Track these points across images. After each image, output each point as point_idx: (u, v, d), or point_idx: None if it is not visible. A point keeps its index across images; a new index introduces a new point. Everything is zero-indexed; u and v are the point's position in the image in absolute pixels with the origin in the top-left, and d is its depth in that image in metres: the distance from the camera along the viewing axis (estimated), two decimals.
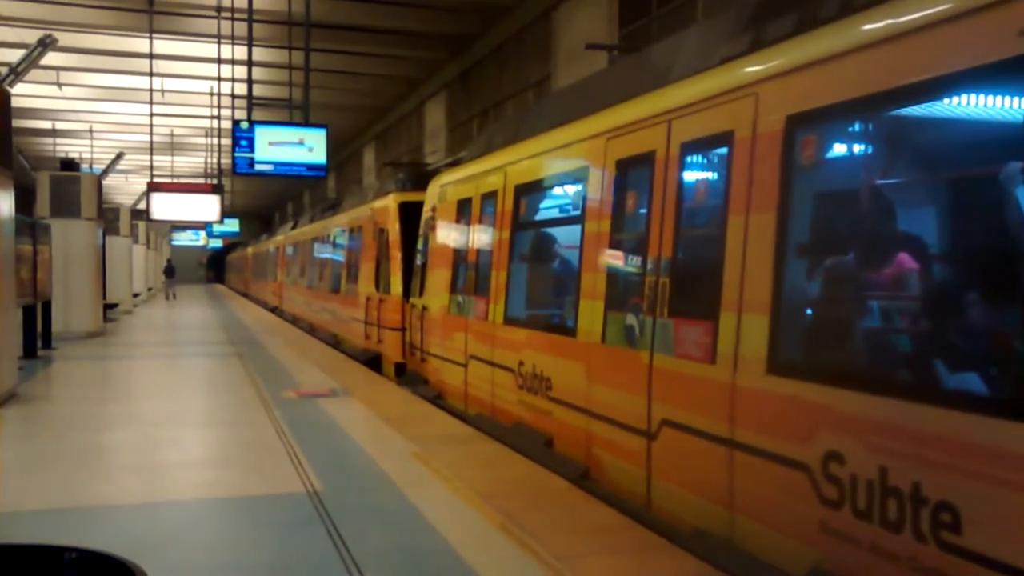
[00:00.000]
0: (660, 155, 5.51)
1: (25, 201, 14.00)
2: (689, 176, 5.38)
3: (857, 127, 4.40)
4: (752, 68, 4.78)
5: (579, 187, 6.87)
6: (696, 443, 4.89)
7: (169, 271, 40.07)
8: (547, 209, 8.36)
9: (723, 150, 4.90)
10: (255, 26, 15.58)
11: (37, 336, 13.94)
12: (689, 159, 5.35)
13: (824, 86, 4.18)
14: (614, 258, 6.18)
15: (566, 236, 7.60)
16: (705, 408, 4.82)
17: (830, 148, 4.55)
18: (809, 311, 4.58)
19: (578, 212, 6.80)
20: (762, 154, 4.52)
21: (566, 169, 7.22)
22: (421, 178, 13.40)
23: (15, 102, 10.44)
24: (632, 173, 6.01)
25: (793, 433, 4.12)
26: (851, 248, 4.47)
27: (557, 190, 7.90)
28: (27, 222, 12.80)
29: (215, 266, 69.65)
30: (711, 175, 5.26)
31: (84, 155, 32.36)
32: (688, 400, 5.03)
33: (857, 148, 4.57)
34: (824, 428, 3.92)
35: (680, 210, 5.34)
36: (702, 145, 5.23)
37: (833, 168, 4.54)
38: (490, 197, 8.69)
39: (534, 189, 7.97)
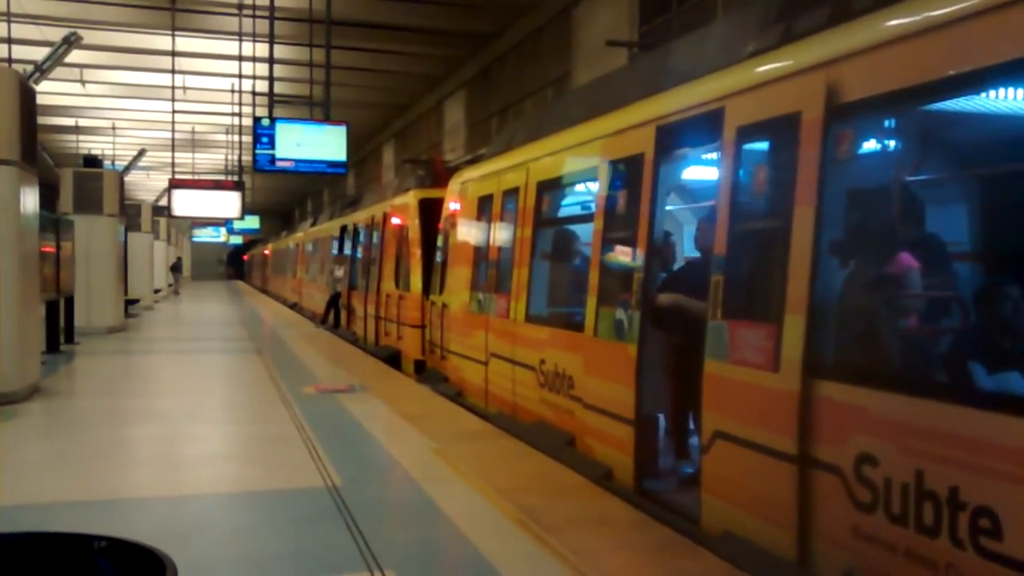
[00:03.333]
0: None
1: (48, 197, 14.15)
2: (748, 163, 4.93)
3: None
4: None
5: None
6: (757, 458, 4.53)
7: (176, 267, 40.58)
8: (570, 206, 8.30)
9: (787, 134, 4.45)
10: (276, 23, 15.65)
11: (60, 331, 14.07)
12: (747, 145, 4.92)
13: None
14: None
15: (591, 234, 7.53)
16: (767, 420, 4.45)
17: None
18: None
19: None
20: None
21: (593, 164, 7.11)
22: (441, 175, 13.42)
23: (40, 99, 10.54)
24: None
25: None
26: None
27: (582, 187, 7.84)
28: (51, 218, 12.92)
29: (235, 262, 69.98)
30: (774, 162, 4.77)
31: (107, 152, 32.61)
32: (747, 411, 4.67)
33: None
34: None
35: (736, 202, 4.96)
36: (762, 129, 4.81)
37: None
38: (512, 194, 8.68)
39: (558, 185, 7.93)
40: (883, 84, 3.90)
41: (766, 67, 4.81)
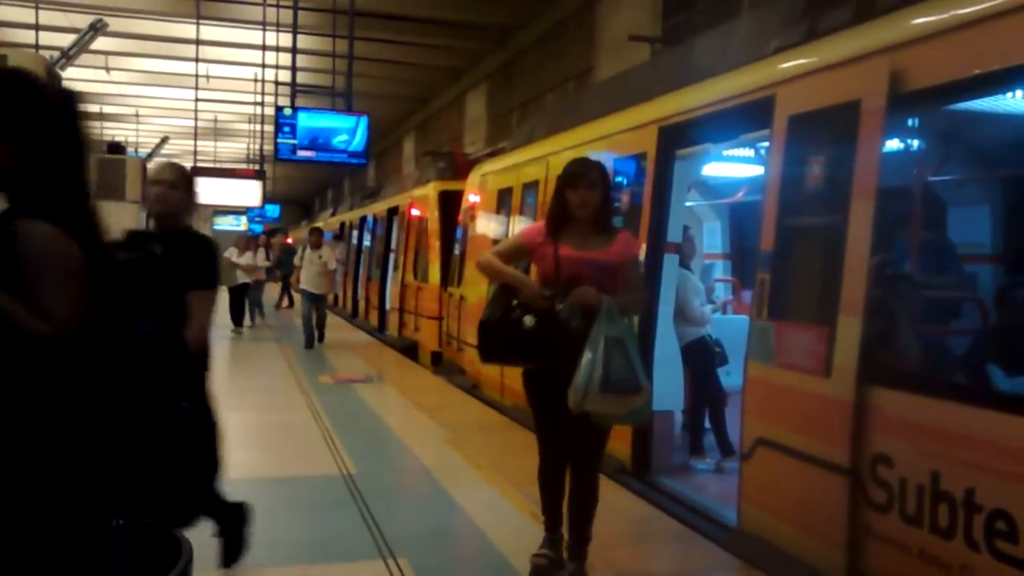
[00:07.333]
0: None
1: None
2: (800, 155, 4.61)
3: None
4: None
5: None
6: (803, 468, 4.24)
7: None
8: None
9: (846, 121, 4.15)
10: (300, 14, 15.72)
11: None
12: (799, 135, 4.60)
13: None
14: None
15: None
16: (816, 428, 4.16)
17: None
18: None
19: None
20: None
21: (623, 156, 6.97)
22: (461, 167, 13.45)
23: (65, 85, 10.64)
24: None
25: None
26: None
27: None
28: None
29: None
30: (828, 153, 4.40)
31: (130, 139, 32.86)
32: (793, 418, 4.39)
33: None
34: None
35: (784, 194, 4.67)
36: (817, 119, 4.47)
37: None
38: (531, 187, 8.67)
39: None
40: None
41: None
